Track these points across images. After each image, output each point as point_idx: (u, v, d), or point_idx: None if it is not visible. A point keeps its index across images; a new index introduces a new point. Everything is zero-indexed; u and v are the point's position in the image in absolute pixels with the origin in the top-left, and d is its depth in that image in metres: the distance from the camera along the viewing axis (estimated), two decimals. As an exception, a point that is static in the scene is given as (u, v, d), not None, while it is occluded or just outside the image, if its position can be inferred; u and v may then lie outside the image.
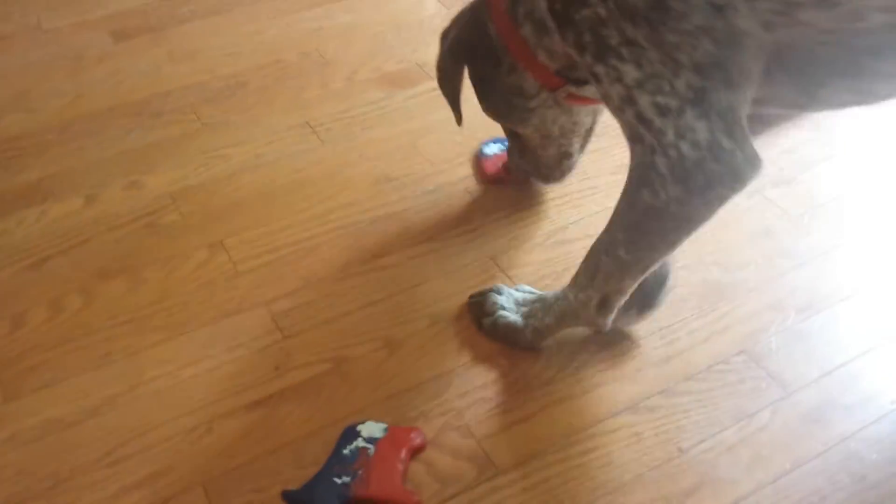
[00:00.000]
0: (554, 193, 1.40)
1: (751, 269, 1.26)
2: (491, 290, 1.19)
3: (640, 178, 0.89)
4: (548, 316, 1.12)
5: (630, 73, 0.83)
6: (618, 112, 0.89)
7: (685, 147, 0.83)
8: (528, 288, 1.21)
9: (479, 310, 1.18)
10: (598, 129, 1.48)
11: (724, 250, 1.29)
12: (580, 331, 1.17)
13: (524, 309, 1.15)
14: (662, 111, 0.82)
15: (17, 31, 1.98)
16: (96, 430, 1.08)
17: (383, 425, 1.05)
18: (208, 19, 1.94)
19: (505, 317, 1.15)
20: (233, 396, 1.11)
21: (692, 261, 1.27)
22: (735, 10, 0.77)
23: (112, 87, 1.74)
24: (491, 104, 1.19)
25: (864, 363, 1.13)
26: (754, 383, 1.10)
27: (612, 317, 1.08)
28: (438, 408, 1.09)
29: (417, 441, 1.04)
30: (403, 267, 1.29)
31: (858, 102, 0.89)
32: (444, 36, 1.18)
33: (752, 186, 1.34)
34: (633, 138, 0.89)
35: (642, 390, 1.10)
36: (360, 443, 1.03)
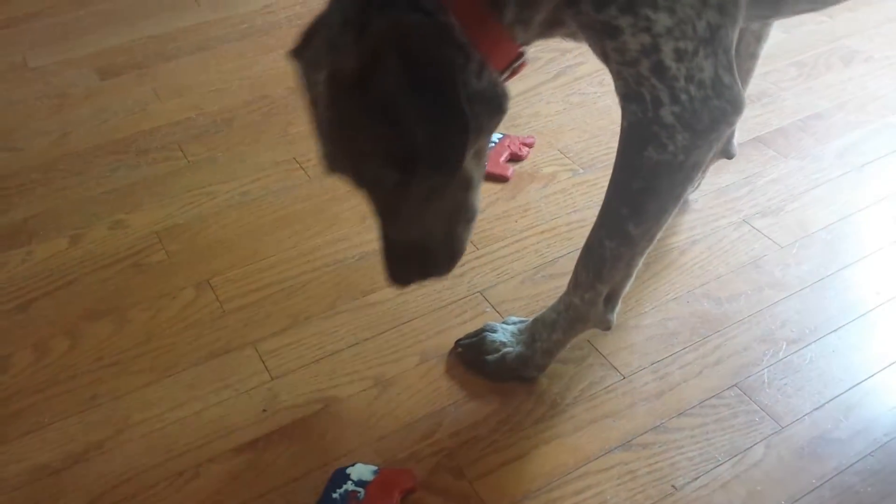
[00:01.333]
0: (542, 227, 1.40)
1: (741, 300, 1.26)
2: (484, 331, 1.17)
3: (641, 137, 0.89)
4: (555, 332, 1.10)
5: (662, 20, 0.82)
6: (628, 66, 0.87)
7: (693, 89, 0.85)
8: (515, 318, 1.20)
9: (476, 352, 1.16)
10: (585, 160, 1.49)
11: (714, 282, 1.29)
12: (571, 366, 1.16)
13: (523, 337, 1.13)
14: (681, 55, 0.84)
15: (3, 69, 1.98)
16: (82, 476, 1.06)
17: (373, 468, 1.03)
18: (195, 56, 1.94)
19: (510, 351, 1.14)
20: (220, 439, 1.10)
21: (682, 293, 1.27)
22: None
23: (97, 124, 1.73)
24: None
25: (856, 395, 1.12)
26: (747, 417, 1.10)
27: (618, 308, 1.07)
28: (430, 448, 1.08)
29: (408, 483, 1.02)
30: (392, 304, 1.28)
31: (813, 9, 1.05)
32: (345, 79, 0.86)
33: (741, 217, 1.35)
34: (632, 97, 0.89)
35: (635, 427, 1.09)
36: (349, 486, 1.01)
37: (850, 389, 1.13)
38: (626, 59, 0.87)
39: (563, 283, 1.26)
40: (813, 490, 1.01)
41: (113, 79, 1.88)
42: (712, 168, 1.45)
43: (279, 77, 1.83)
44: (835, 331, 1.21)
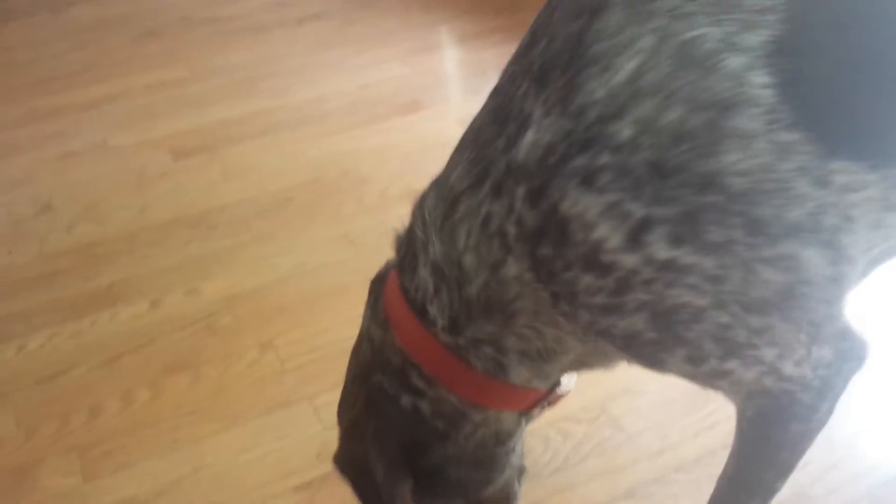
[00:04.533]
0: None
1: (736, 371, 1.42)
2: None
3: (782, 418, 0.82)
4: None
5: (769, 352, 0.75)
6: (749, 386, 0.79)
7: (823, 372, 0.80)
8: None
9: None
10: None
11: (713, 354, 1.46)
12: (584, 425, 1.33)
13: None
14: (799, 363, 0.78)
15: (86, 148, 2.23)
16: (163, 508, 1.25)
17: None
18: (258, 140, 2.18)
19: None
20: (280, 480, 1.28)
21: (684, 364, 1.44)
22: (844, 276, 0.72)
23: (173, 201, 1.96)
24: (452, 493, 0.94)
25: (834, 456, 1.27)
26: (737, 474, 1.26)
27: None
28: (460, 492, 1.25)
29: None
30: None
31: None
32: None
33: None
34: (755, 395, 0.81)
35: (638, 479, 1.26)
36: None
37: (828, 451, 1.28)
38: (744, 384, 0.79)
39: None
40: (792, 539, 1.17)
41: (185, 159, 2.13)
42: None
43: (332, 160, 2.06)
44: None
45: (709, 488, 1.24)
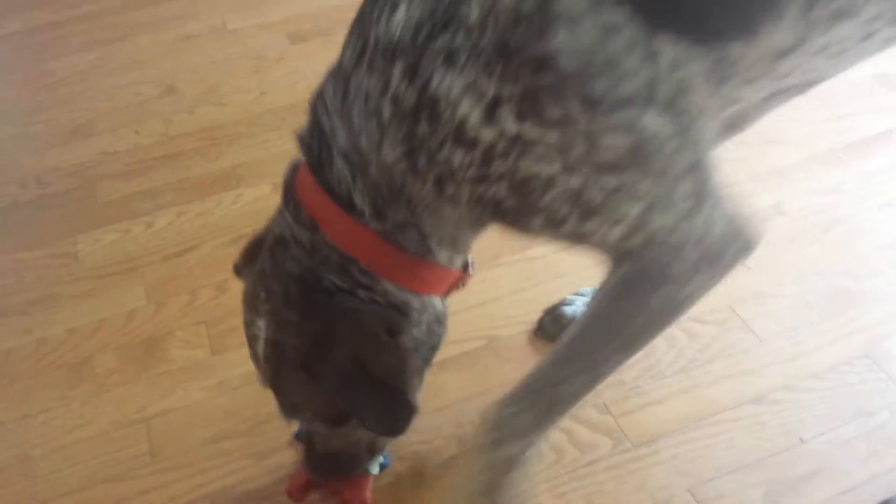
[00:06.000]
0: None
1: (879, 279, 1.34)
2: (562, 305, 1.29)
3: (649, 286, 0.82)
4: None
5: (632, 208, 0.76)
6: (617, 246, 0.81)
7: (705, 246, 0.80)
8: (587, 289, 1.30)
9: (558, 326, 1.26)
10: (736, 137, 1.58)
11: (854, 260, 1.37)
12: (711, 327, 1.28)
13: None
14: (674, 228, 0.78)
15: (205, 31, 2.23)
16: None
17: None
18: (374, 24, 2.13)
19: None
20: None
21: (822, 268, 1.36)
22: (694, 128, 0.75)
23: (290, 85, 1.95)
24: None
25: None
26: (875, 385, 1.19)
27: None
28: (579, 386, 1.24)
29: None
30: (549, 259, 1.43)
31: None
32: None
33: (885, 199, 1.41)
34: (625, 259, 0.82)
35: (768, 384, 1.21)
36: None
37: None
38: (610, 244, 0.80)
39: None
40: (933, 454, 1.11)
41: (302, 43, 2.10)
42: (861, 151, 1.51)
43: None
44: (971, 313, 1.28)
45: (844, 398, 1.19)
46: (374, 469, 1.13)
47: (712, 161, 0.79)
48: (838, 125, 1.63)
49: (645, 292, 0.83)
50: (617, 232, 0.78)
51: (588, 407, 1.21)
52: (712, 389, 1.21)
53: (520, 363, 1.28)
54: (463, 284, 0.97)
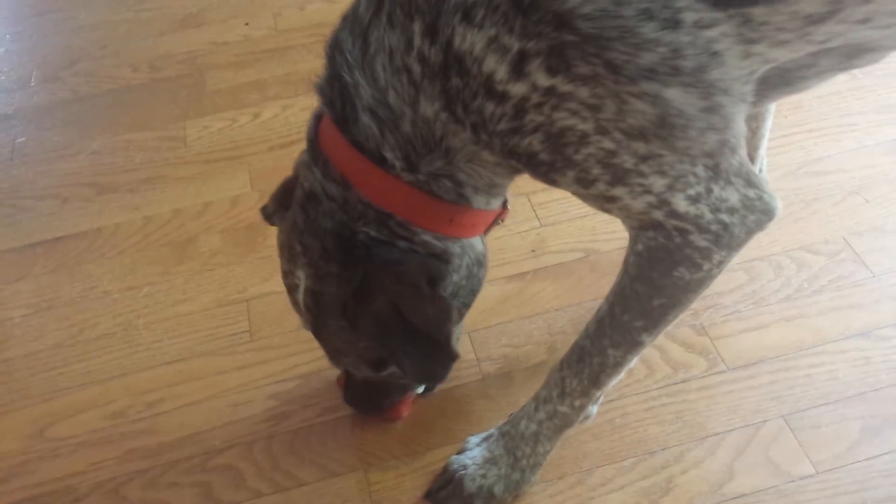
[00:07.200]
0: (811, 125, 1.44)
1: None
2: (454, 471, 1.06)
3: (670, 260, 0.83)
4: (540, 444, 1.02)
5: (657, 182, 0.78)
6: (640, 215, 0.82)
7: (724, 217, 0.81)
8: (475, 439, 1.09)
9: (459, 499, 1.04)
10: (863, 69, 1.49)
11: None
12: (822, 258, 1.23)
13: (502, 460, 1.04)
14: (694, 200, 0.80)
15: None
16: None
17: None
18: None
19: (495, 482, 1.04)
20: (497, 268, 1.29)
21: (948, 207, 1.28)
22: (722, 105, 0.75)
23: (400, -14, 1.92)
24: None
25: None
26: None
27: (601, 400, 1.05)
28: (676, 305, 1.21)
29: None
30: (655, 177, 1.39)
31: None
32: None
33: None
34: (648, 227, 0.83)
35: (877, 320, 1.16)
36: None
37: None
38: (633, 212, 0.82)
39: (823, 182, 1.32)
40: None
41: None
42: None
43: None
44: None
45: (960, 340, 1.13)
46: (419, 388, 1.12)
47: (740, 134, 0.79)
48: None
49: (665, 269, 0.84)
50: (642, 202, 0.80)
51: (684, 327, 1.18)
52: (817, 320, 1.17)
53: (614, 279, 1.26)
54: (502, 220, 0.98)
